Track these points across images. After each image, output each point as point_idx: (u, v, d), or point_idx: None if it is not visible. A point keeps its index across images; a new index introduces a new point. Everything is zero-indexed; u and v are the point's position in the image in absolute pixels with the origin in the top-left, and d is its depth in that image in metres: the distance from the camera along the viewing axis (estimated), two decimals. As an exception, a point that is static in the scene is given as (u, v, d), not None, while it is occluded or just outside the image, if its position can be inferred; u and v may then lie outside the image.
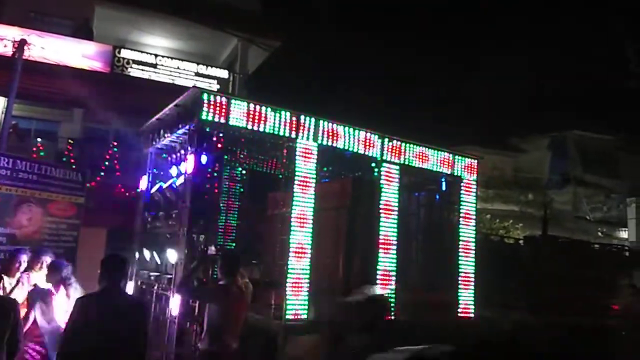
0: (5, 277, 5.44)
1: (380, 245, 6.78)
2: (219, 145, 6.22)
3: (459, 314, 7.47)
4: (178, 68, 15.78)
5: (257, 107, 6.07)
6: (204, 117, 5.73)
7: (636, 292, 11.31)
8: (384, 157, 7.05)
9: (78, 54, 14.54)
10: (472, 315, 7.58)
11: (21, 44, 12.29)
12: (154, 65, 15.51)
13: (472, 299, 7.64)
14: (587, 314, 9.54)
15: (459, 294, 7.53)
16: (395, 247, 6.89)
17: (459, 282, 7.56)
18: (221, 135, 6.22)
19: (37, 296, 4.96)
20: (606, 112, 22.76)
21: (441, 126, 19.98)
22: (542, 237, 11.97)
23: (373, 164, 7.13)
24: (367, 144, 6.92)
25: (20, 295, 5.14)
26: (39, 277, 5.47)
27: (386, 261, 6.80)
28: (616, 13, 20.10)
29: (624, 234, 23.72)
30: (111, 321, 3.73)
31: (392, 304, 6.69)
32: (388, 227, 6.88)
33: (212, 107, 5.76)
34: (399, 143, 7.21)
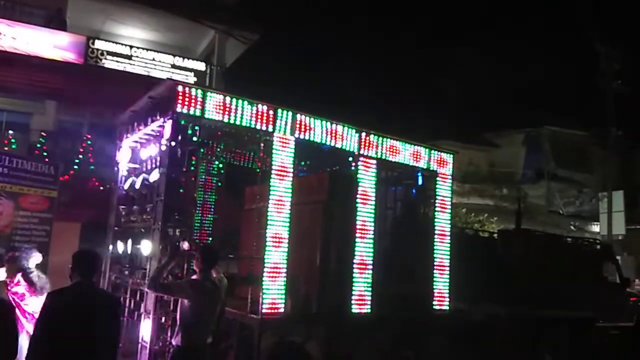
0: None
1: (357, 239, 6.82)
2: (195, 139, 6.16)
3: (434, 307, 7.57)
4: (154, 60, 15.53)
5: (234, 100, 6.03)
6: (178, 109, 5.65)
7: (607, 284, 11.62)
8: (361, 151, 7.08)
9: (50, 44, 14.20)
10: (446, 307, 7.69)
11: (-10, 34, 11.99)
12: (129, 57, 15.24)
13: (447, 291, 7.74)
14: (559, 306, 9.74)
15: (434, 286, 7.62)
16: (372, 240, 6.93)
17: (434, 274, 7.66)
18: (197, 128, 6.16)
19: None
20: (578, 107, 23.24)
21: (417, 121, 20.13)
22: (515, 231, 12.15)
23: (350, 158, 7.15)
24: (344, 137, 6.94)
25: None
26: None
27: (363, 254, 6.84)
28: (587, 11, 20.47)
29: (596, 228, 24.24)
30: (85, 316, 3.68)
31: (369, 296, 6.76)
32: (365, 220, 6.92)
33: (187, 99, 5.69)
34: (375, 137, 7.24)
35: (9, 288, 5.16)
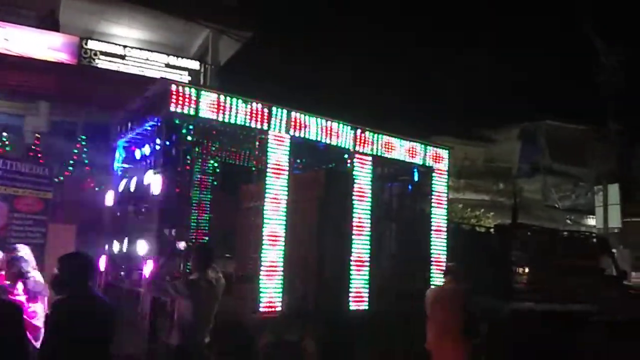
0: None
1: (354, 235, 6.82)
2: (189, 138, 6.14)
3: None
4: (147, 59, 15.47)
5: (228, 98, 6.01)
6: (172, 109, 5.63)
7: (604, 276, 11.65)
8: (357, 148, 7.07)
9: (43, 45, 14.12)
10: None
11: (-18, 35, 11.92)
12: (123, 57, 15.18)
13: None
14: (557, 300, 9.77)
15: (431, 281, 7.63)
16: (368, 236, 6.93)
17: (431, 270, 7.66)
18: (191, 127, 6.13)
19: None
20: (575, 102, 23.25)
21: (412, 116, 20.11)
22: (511, 225, 12.18)
23: (346, 156, 7.14)
24: (340, 135, 6.92)
25: None
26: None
27: (360, 251, 6.84)
28: (585, 5, 20.51)
29: (591, 222, 24.32)
30: (88, 325, 3.53)
31: (366, 293, 6.77)
32: (361, 217, 6.92)
33: (181, 98, 5.67)
34: (370, 134, 7.23)
35: (11, 297, 4.89)
